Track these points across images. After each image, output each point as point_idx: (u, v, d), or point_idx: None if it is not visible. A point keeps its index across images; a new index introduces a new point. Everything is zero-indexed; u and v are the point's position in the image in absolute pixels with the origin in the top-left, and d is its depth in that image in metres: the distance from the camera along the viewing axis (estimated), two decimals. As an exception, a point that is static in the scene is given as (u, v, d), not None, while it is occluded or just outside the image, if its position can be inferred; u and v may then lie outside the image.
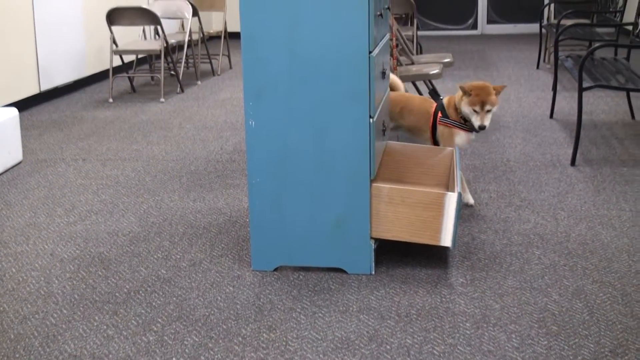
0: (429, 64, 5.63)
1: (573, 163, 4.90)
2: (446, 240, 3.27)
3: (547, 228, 3.84)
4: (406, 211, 3.27)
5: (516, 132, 5.71)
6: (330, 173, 3.22)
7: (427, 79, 5.51)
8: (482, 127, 3.85)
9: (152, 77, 8.64)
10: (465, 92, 3.87)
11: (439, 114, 4.01)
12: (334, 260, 3.33)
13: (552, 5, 9.67)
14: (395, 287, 3.21)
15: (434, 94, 4.06)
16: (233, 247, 3.67)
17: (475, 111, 3.85)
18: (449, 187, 3.73)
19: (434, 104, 4.07)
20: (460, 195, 3.26)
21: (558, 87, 6.15)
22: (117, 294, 3.19)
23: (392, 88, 4.34)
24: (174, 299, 3.15)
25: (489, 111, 3.85)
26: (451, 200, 3.24)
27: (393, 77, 4.37)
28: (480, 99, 3.83)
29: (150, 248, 3.68)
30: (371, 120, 3.18)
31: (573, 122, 6.02)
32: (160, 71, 7.76)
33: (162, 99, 7.40)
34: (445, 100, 4.04)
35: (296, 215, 3.29)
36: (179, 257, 3.57)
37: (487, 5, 12.60)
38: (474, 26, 12.65)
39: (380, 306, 3.05)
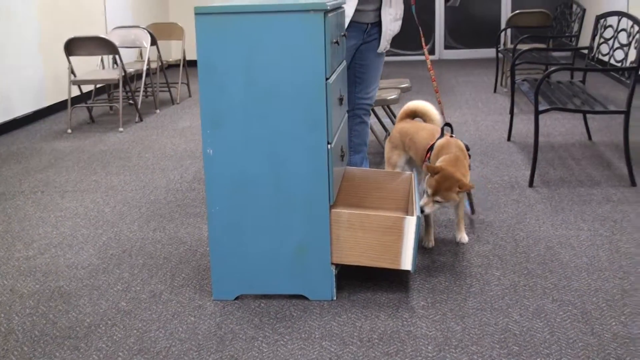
0: (387, 89, 5.67)
1: (531, 184, 4.95)
2: (406, 263, 3.28)
3: (507, 249, 3.87)
4: (366, 236, 3.29)
5: (474, 155, 5.76)
6: (289, 200, 3.23)
7: (385, 104, 5.55)
8: (421, 211, 3.60)
9: (111, 107, 8.61)
10: (430, 172, 3.60)
11: (427, 154, 3.87)
12: (296, 287, 3.33)
13: (509, 31, 9.80)
14: (356, 312, 3.21)
15: (449, 127, 3.97)
16: (194, 277, 3.65)
17: (426, 193, 3.63)
18: (408, 211, 3.75)
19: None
20: (419, 219, 3.28)
21: (515, 110, 6.22)
22: (77, 329, 3.16)
23: (427, 119, 4.20)
24: (135, 332, 3.12)
25: (438, 201, 3.60)
26: (410, 224, 3.26)
27: (430, 109, 4.20)
28: (437, 187, 3.56)
29: (110, 280, 3.65)
30: (329, 146, 3.20)
31: (530, 144, 6.09)
32: (118, 100, 7.73)
33: (121, 129, 7.36)
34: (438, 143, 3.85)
35: (256, 243, 3.28)
36: (139, 288, 3.55)
37: (444, 31, 12.74)
38: (432, 51, 12.77)
39: (343, 332, 3.05)
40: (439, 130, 3.92)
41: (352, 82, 4.63)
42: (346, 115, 3.83)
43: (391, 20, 4.51)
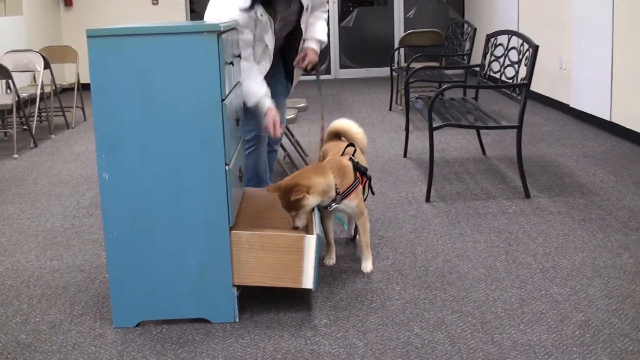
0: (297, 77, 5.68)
1: (428, 199, 5.04)
2: (308, 282, 3.30)
3: (406, 264, 3.93)
4: (267, 256, 3.29)
5: (371, 172, 5.83)
6: (188, 223, 3.21)
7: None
8: (295, 227, 3.52)
9: (5, 133, 8.39)
10: (274, 192, 3.57)
11: None
12: (197, 311, 3.30)
13: (402, 50, 9.96)
14: (259, 333, 3.21)
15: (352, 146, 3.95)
16: (93, 305, 3.58)
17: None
18: (308, 229, 3.76)
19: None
20: (319, 237, 3.30)
21: (410, 128, 6.33)
22: (-29, 361, 3.06)
23: (348, 138, 4.13)
24: (33, 361, 3.04)
25: (297, 214, 3.51)
26: (311, 243, 3.27)
27: (350, 128, 4.16)
28: (283, 204, 3.52)
29: (8, 312, 3.55)
30: (227, 167, 3.19)
31: (426, 160, 6.20)
32: (12, 126, 7.54)
33: (16, 155, 7.18)
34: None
35: (156, 268, 3.24)
36: (38, 319, 3.46)
37: (339, 50, 12.87)
38: (328, 71, 12.89)
39: (246, 354, 3.04)
40: (352, 149, 3.91)
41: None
42: (243, 136, 3.82)
43: (298, 71, 4.54)
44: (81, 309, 3.55)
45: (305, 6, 4.23)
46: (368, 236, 3.83)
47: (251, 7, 3.95)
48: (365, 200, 3.86)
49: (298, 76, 4.56)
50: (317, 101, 9.42)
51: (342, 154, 3.83)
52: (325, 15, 4.54)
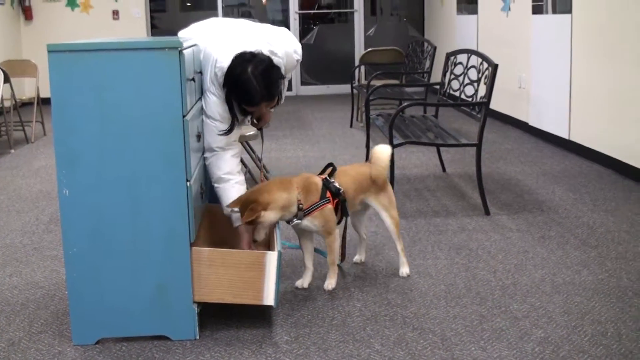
0: (246, 126, 5.66)
1: (389, 216, 5.05)
2: (269, 299, 3.29)
3: (367, 280, 3.94)
4: (228, 272, 3.27)
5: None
6: (148, 239, 3.19)
7: (245, 140, 5.56)
8: (254, 241, 3.61)
9: (-39, 149, 8.29)
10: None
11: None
12: (157, 328, 3.28)
13: (363, 67, 10.02)
14: (220, 351, 3.19)
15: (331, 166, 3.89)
16: (53, 322, 3.54)
17: None
18: (269, 246, 3.76)
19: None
20: (280, 255, 3.29)
21: (371, 144, 6.34)
22: None
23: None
24: (-11, 379, 3.00)
25: (255, 228, 3.56)
26: (272, 260, 3.27)
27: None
28: (241, 218, 3.54)
29: (-38, 328, 3.50)
30: (188, 183, 3.18)
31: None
32: (-31, 142, 7.46)
33: (-28, 171, 7.10)
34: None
35: (116, 284, 3.22)
36: (-6, 336, 3.42)
37: (300, 68, 12.91)
38: (289, 87, 12.90)
39: (206, 370, 3.02)
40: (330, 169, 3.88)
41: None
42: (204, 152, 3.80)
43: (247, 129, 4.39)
44: (40, 326, 3.51)
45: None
46: (334, 255, 3.76)
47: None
48: (339, 222, 3.80)
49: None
50: (279, 117, 9.43)
51: (321, 173, 3.81)
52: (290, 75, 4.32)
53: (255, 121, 4.02)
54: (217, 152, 3.73)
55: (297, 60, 4.15)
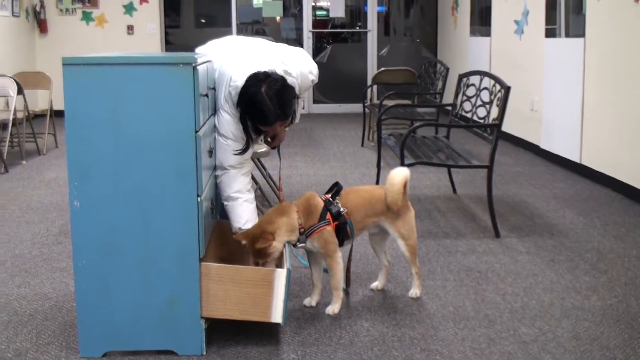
0: (258, 143, 5.67)
1: (399, 236, 5.04)
2: (276, 316, 3.29)
3: (375, 301, 3.93)
4: (236, 289, 3.27)
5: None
6: (158, 253, 3.19)
7: (256, 157, 5.56)
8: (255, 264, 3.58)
9: (-26, 158, 8.31)
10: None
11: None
12: (164, 343, 3.27)
13: (375, 87, 10.03)
14: (227, 367, 3.19)
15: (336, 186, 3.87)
16: (60, 334, 3.54)
17: None
18: (279, 262, 3.75)
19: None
20: (289, 272, 3.29)
21: (382, 164, 6.35)
22: None
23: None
24: (-5, 390, 3.00)
25: (261, 261, 3.56)
26: (280, 277, 3.27)
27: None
28: (250, 252, 3.56)
29: (-30, 338, 3.50)
30: (199, 198, 3.19)
31: (398, 196, 6.20)
32: (-18, 152, 7.49)
33: (-16, 181, 7.13)
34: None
35: (124, 297, 3.22)
36: (3, 347, 3.41)
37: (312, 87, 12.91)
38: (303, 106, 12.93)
39: (212, 386, 3.01)
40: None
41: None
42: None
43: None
44: (47, 337, 3.51)
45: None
46: (337, 279, 3.73)
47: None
48: (342, 244, 3.76)
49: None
50: (291, 134, 9.43)
51: (328, 192, 3.80)
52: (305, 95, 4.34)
53: (269, 140, 4.05)
54: (229, 170, 3.75)
55: (312, 81, 4.18)
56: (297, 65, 3.99)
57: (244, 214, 3.81)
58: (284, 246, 3.61)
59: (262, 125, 3.72)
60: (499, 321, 3.66)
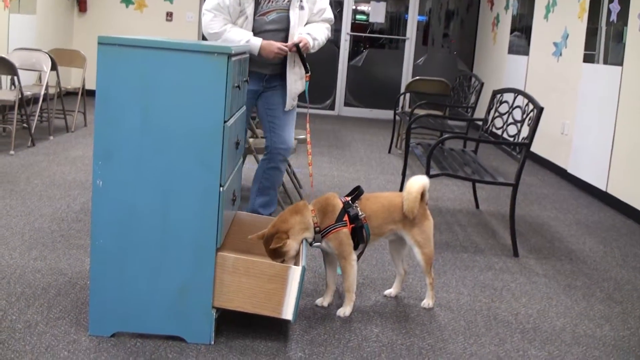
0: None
1: (417, 246, 5.02)
2: (288, 313, 3.28)
3: (387, 307, 3.92)
4: (250, 282, 3.27)
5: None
6: (175, 239, 3.19)
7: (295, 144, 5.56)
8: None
9: (4, 128, 8.38)
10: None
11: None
12: (174, 328, 3.28)
13: (408, 95, 10.01)
14: (233, 358, 3.19)
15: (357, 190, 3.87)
16: (71, 310, 3.55)
17: None
18: (296, 261, 3.75)
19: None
20: (304, 270, 3.29)
21: (407, 172, 6.33)
22: (-60, 351, 3.03)
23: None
24: (3, 360, 3.01)
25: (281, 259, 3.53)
26: (295, 274, 3.26)
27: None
28: (267, 253, 3.56)
29: (-17, 306, 3.53)
30: (221, 189, 3.19)
31: (420, 206, 6.18)
32: (12, 123, 7.54)
33: (12, 152, 7.17)
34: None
35: (138, 280, 3.23)
36: (14, 317, 3.43)
37: (345, 89, 12.94)
38: (332, 107, 12.95)
39: (217, 377, 3.01)
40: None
41: (267, 129, 4.82)
42: (241, 159, 3.82)
43: (295, 80, 4.66)
44: (58, 312, 3.52)
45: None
46: (350, 281, 3.71)
47: None
48: (356, 248, 3.74)
49: (297, 89, 4.79)
50: (319, 134, 9.43)
51: (349, 195, 3.79)
52: (328, 27, 4.78)
53: (296, 42, 4.56)
54: (205, 13, 4.49)
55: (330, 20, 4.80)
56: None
57: (239, 35, 4.43)
58: (301, 244, 3.61)
59: None
60: (510, 341, 3.63)
